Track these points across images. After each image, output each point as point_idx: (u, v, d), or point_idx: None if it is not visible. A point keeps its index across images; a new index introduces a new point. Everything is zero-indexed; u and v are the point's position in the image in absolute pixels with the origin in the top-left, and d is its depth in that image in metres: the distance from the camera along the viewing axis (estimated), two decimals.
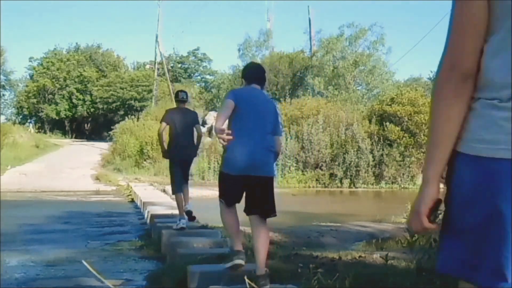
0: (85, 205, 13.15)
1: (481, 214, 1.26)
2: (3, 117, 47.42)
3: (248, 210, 4.18)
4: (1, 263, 6.00)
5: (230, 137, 3.68)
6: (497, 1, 1.27)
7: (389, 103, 23.19)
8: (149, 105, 37.22)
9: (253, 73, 4.38)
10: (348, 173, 21.75)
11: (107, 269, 5.72)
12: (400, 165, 21.93)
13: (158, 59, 39.56)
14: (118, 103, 43.07)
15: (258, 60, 35.84)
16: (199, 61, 52.59)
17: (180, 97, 7.23)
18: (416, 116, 22.04)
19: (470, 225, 1.29)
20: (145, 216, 9.86)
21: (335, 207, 15.13)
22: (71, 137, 45.09)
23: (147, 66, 48.61)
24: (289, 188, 20.35)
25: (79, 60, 47.40)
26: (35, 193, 16.06)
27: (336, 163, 21.78)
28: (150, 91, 40.87)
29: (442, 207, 1.42)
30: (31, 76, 49.17)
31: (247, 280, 3.05)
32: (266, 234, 4.17)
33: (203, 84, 51.40)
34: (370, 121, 23.03)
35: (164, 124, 6.89)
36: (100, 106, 44.57)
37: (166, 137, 7.02)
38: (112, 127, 31.04)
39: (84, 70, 46.20)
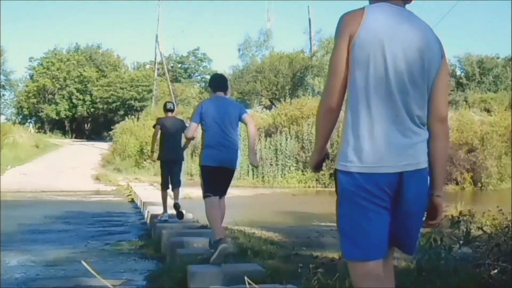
0: (85, 205, 13.15)
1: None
2: (3, 117, 47.48)
3: (221, 194, 5.10)
4: (1, 263, 6.00)
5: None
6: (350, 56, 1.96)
7: None
8: (149, 105, 37.21)
9: (217, 83, 5.23)
10: None
11: (107, 269, 5.72)
12: None
13: (158, 59, 39.58)
14: (118, 103, 43.07)
15: (258, 60, 35.88)
16: (199, 61, 52.60)
17: (168, 107, 8.27)
18: None
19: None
20: (145, 216, 9.86)
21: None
22: (71, 137, 45.08)
23: (147, 66, 48.61)
24: (289, 188, 20.36)
25: (79, 60, 47.39)
26: (35, 193, 16.06)
27: None
28: (150, 91, 40.87)
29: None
30: (31, 76, 49.16)
31: (247, 280, 3.05)
32: (224, 207, 5.13)
33: (203, 84, 51.36)
34: None
35: (158, 127, 7.91)
36: (100, 106, 44.57)
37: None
38: (112, 127, 31.05)
39: (84, 70, 46.19)
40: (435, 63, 2.12)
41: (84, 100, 45.94)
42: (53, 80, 45.93)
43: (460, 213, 5.73)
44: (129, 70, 49.75)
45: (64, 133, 46.94)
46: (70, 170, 21.68)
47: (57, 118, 46.33)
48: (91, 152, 29.17)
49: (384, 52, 1.95)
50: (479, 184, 22.62)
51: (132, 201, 14.15)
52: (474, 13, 67.50)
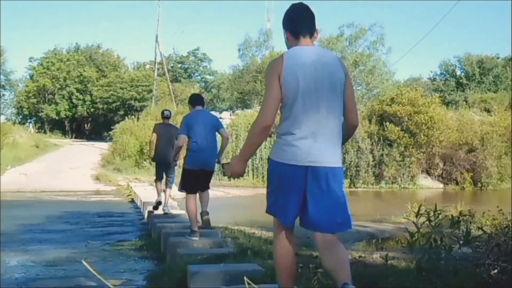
0: (85, 205, 13.16)
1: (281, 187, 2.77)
2: (3, 117, 47.46)
3: (200, 189, 6.21)
4: (1, 263, 6.00)
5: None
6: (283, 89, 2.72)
7: (389, 103, 23.19)
8: (149, 105, 37.18)
9: (196, 100, 6.49)
10: (348, 173, 21.77)
11: (107, 269, 5.72)
12: (400, 165, 21.95)
13: (158, 59, 39.56)
14: (118, 103, 43.06)
15: (258, 60, 35.84)
16: (199, 61, 52.59)
17: (165, 115, 9.40)
18: (416, 116, 22.05)
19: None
20: (145, 216, 9.87)
21: None
22: (71, 137, 45.07)
23: (147, 66, 48.60)
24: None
25: (79, 60, 47.39)
26: (35, 193, 16.07)
27: None
28: (150, 91, 40.85)
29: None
30: (31, 76, 49.15)
31: (246, 280, 3.05)
32: (208, 195, 6.25)
33: (203, 84, 51.38)
34: (370, 121, 23.03)
35: (155, 135, 9.05)
36: (100, 106, 44.56)
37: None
38: (112, 127, 31.03)
39: (84, 70, 46.19)
40: (341, 82, 2.82)
41: (84, 100, 45.93)
42: (53, 80, 45.92)
43: (460, 213, 5.72)
44: (129, 70, 49.73)
45: (64, 133, 46.92)
46: (70, 170, 21.67)
47: (57, 118, 46.32)
48: (91, 152, 29.16)
49: (301, 82, 2.73)
50: (479, 184, 22.64)
51: (132, 201, 14.15)
52: (474, 13, 67.57)
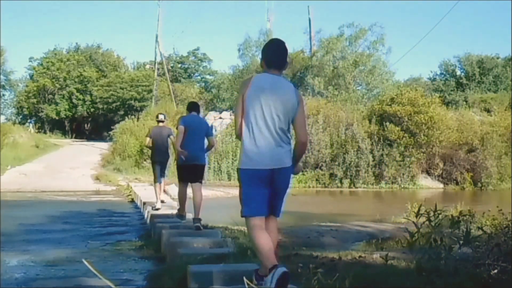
0: (85, 205, 13.16)
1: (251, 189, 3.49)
2: (3, 117, 47.41)
3: (191, 180, 7.14)
4: (1, 263, 6.00)
5: (186, 153, 6.80)
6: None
7: (389, 103, 23.17)
8: (149, 105, 37.16)
9: (192, 106, 7.55)
10: (348, 173, 21.75)
11: (107, 269, 5.72)
12: (400, 165, 21.93)
13: (158, 59, 39.54)
14: (118, 103, 43.02)
15: (258, 60, 35.78)
16: (199, 61, 52.55)
17: (160, 119, 10.09)
18: (416, 116, 22.03)
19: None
20: (145, 216, 9.87)
21: (335, 207, 15.14)
22: (71, 137, 45.05)
23: (147, 66, 48.57)
24: (289, 188, 20.35)
25: (79, 60, 47.35)
26: (35, 193, 16.07)
27: (336, 163, 21.78)
28: (150, 91, 40.82)
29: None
30: (31, 76, 49.12)
31: (246, 281, 3.05)
32: (200, 192, 7.15)
33: (203, 84, 51.34)
34: (370, 121, 23.02)
35: (148, 139, 9.80)
36: (100, 106, 44.52)
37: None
38: (112, 127, 31.01)
39: (84, 70, 46.16)
40: (294, 107, 3.54)
41: (84, 100, 45.91)
42: (53, 80, 45.90)
43: (460, 213, 5.72)
44: (129, 70, 49.69)
45: (64, 133, 46.90)
46: (70, 170, 21.67)
47: (57, 118, 46.30)
48: (91, 152, 29.15)
49: (262, 101, 3.47)
50: (479, 184, 22.61)
51: (132, 201, 14.14)
52: (474, 13, 67.54)
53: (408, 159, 21.89)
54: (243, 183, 3.51)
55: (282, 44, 3.69)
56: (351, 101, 27.19)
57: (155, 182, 9.84)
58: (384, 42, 31.40)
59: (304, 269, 4.23)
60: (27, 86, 48.59)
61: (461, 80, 38.85)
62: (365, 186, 21.66)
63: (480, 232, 4.79)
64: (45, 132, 44.83)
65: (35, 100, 46.55)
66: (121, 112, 40.36)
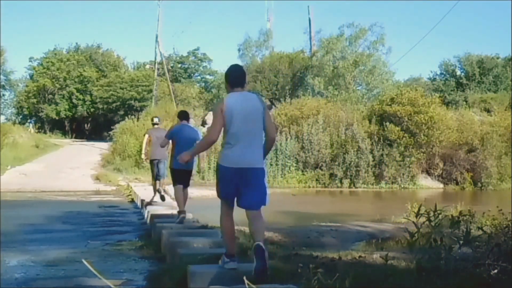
0: (85, 205, 13.15)
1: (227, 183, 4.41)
2: (3, 117, 47.46)
3: (184, 184, 8.01)
4: (1, 263, 6.00)
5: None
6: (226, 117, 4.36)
7: (389, 103, 23.16)
8: (149, 105, 37.16)
9: (182, 115, 8.46)
10: (348, 173, 21.74)
11: (107, 269, 5.72)
12: (400, 165, 21.92)
13: (158, 59, 39.55)
14: (118, 103, 43.03)
15: (258, 60, 35.83)
16: (199, 61, 52.56)
17: (154, 122, 11.62)
18: (416, 116, 22.03)
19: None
20: (145, 216, 9.86)
21: (335, 207, 15.13)
22: (71, 137, 45.05)
23: (147, 66, 48.58)
24: (289, 188, 20.35)
25: (79, 60, 47.36)
26: (35, 193, 16.06)
27: (336, 163, 21.77)
28: (150, 91, 40.83)
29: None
30: (31, 76, 49.13)
31: (246, 281, 3.05)
32: (187, 193, 8.10)
33: (203, 84, 51.38)
34: (370, 121, 23.01)
35: (147, 136, 11.22)
36: (100, 106, 44.53)
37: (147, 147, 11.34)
38: (112, 127, 31.02)
39: (84, 70, 46.17)
40: (261, 112, 4.42)
41: (84, 100, 45.92)
42: (53, 80, 45.91)
43: (460, 213, 5.72)
44: (129, 70, 49.71)
45: (64, 133, 46.92)
46: (70, 170, 21.66)
47: (57, 118, 46.31)
48: (91, 152, 29.15)
49: (236, 114, 4.32)
50: (479, 184, 22.60)
51: (132, 201, 14.14)
52: (474, 13, 67.58)
53: (408, 159, 21.88)
54: (220, 176, 4.41)
55: (240, 68, 4.75)
56: (351, 101, 27.18)
57: (152, 179, 11.02)
58: (384, 42, 31.43)
59: (304, 269, 4.23)
60: (27, 86, 48.61)
61: (461, 80, 38.85)
62: (365, 186, 21.65)
63: (480, 232, 4.79)
64: (45, 132, 44.84)
65: (35, 100, 46.56)
66: (121, 112, 40.36)
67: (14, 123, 42.61)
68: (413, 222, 4.44)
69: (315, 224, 9.89)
